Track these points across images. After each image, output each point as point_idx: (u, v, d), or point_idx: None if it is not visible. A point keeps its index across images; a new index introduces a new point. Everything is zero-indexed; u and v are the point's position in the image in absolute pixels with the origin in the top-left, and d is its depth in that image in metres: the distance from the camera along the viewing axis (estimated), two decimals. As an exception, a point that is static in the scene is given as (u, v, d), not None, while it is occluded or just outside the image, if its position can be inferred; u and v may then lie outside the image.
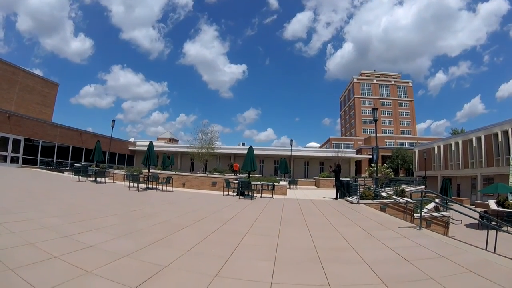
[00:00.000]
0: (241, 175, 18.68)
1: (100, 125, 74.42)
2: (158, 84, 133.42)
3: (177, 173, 17.18)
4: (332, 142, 74.22)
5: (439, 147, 38.25)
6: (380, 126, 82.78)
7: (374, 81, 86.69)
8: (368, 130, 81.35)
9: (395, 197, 13.63)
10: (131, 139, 48.09)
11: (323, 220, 7.80)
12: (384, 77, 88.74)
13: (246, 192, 12.44)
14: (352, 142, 73.25)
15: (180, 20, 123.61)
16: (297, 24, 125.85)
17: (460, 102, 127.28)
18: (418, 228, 6.92)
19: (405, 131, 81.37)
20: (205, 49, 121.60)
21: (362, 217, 8.73)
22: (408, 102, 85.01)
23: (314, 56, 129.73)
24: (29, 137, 24.44)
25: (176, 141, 70.42)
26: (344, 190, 14.40)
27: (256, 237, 5.40)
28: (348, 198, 13.51)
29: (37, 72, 36.37)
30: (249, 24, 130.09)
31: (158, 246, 4.28)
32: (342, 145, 70.24)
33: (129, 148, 41.98)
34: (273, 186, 13.28)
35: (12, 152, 22.83)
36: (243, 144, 44.83)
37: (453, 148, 35.15)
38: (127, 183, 14.05)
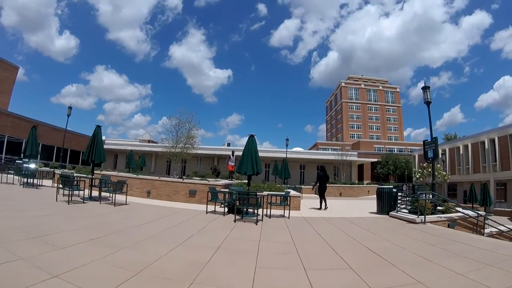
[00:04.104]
0: (229, 181, 13.82)
1: (81, 127, 67.09)
2: (142, 86, 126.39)
3: (139, 176, 11.86)
4: (320, 146, 70.65)
5: (443, 151, 35.29)
6: (368, 132, 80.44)
7: (362, 85, 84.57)
8: (355, 135, 78.74)
9: (462, 210, 9.50)
10: (103, 137, 40.63)
11: (446, 274, 3.22)
12: (372, 82, 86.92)
13: (244, 209, 7.72)
14: (340, 147, 69.87)
15: (168, 22, 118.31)
16: (284, 31, 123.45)
17: (440, 112, 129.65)
18: None
19: (393, 137, 79.52)
20: (191, 52, 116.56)
21: (475, 250, 4.33)
22: (395, 107, 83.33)
23: (299, 64, 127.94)
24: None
25: (156, 143, 63.60)
26: (385, 202, 10.07)
27: None
28: (395, 214, 9.15)
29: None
30: (237, 29, 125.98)
31: None
32: (330, 149, 66.66)
33: (95, 146, 35.30)
34: (287, 198, 8.60)
35: None
36: (228, 145, 39.38)
37: (461, 151, 32.23)
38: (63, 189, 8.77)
